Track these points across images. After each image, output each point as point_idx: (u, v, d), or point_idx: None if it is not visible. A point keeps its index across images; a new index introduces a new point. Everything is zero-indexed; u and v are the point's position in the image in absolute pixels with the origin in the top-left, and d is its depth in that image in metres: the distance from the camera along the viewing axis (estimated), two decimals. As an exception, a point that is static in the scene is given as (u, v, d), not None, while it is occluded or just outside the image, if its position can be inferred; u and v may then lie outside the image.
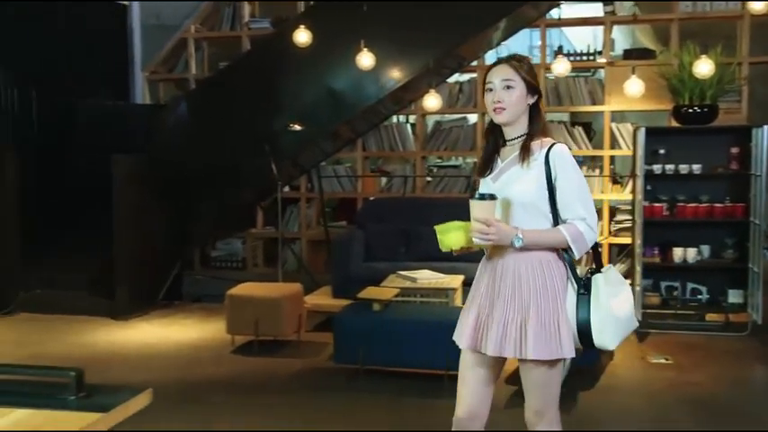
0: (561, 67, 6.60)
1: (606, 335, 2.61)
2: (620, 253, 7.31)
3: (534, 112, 2.68)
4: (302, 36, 6.02)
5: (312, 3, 7.77)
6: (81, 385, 1.96)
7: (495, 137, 2.75)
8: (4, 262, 6.88)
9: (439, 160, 9.26)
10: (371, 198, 7.88)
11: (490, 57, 7.97)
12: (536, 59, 8.57)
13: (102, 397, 1.95)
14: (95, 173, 7.12)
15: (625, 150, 7.28)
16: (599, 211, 7.37)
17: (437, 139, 8.04)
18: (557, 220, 2.63)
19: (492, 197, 2.55)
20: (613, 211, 7.38)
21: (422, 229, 6.66)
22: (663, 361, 5.39)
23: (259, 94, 7.10)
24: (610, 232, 7.28)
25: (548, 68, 7.47)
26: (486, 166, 2.75)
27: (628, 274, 7.09)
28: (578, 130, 7.51)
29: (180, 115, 7.39)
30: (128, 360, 5.51)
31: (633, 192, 6.57)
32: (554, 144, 2.63)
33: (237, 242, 8.38)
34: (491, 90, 2.66)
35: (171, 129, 7.49)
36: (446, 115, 8.17)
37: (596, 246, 2.73)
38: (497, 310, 2.64)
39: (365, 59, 5.97)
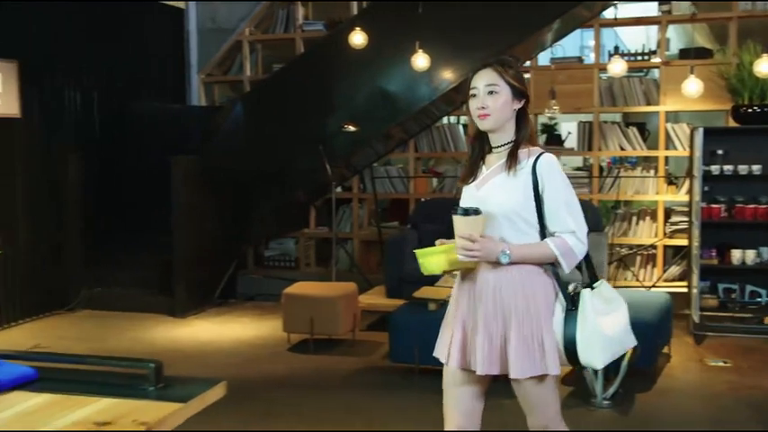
0: (618, 68, 6.55)
1: (592, 353, 2.50)
2: (675, 255, 7.22)
3: (521, 118, 2.57)
4: (357, 38, 6.08)
5: (366, 5, 7.82)
6: (160, 376, 2.04)
7: (481, 143, 2.63)
8: (67, 260, 7.07)
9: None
10: (424, 198, 7.91)
11: (543, 57, 7.94)
12: (589, 60, 8.54)
13: (179, 388, 2.02)
14: (154, 174, 7.30)
15: (680, 151, 7.19)
16: (653, 213, 7.30)
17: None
18: (544, 232, 2.52)
19: (476, 212, 2.44)
20: (668, 213, 7.29)
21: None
22: (721, 364, 5.32)
23: (313, 96, 7.19)
24: (665, 234, 7.20)
25: (601, 69, 7.43)
26: (470, 174, 2.64)
27: (684, 276, 7.02)
28: (632, 131, 7.43)
29: (235, 117, 7.51)
30: (187, 356, 5.63)
31: (690, 193, 6.50)
32: (542, 153, 2.53)
33: (290, 242, 8.48)
34: (475, 96, 2.55)
35: (227, 130, 7.62)
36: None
37: (588, 258, 2.60)
38: (480, 328, 2.55)
39: (420, 61, 6.01)
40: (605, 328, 2.51)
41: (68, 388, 1.99)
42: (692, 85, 6.03)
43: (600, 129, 7.47)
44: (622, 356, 4.46)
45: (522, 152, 2.53)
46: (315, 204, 8.18)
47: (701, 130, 5.99)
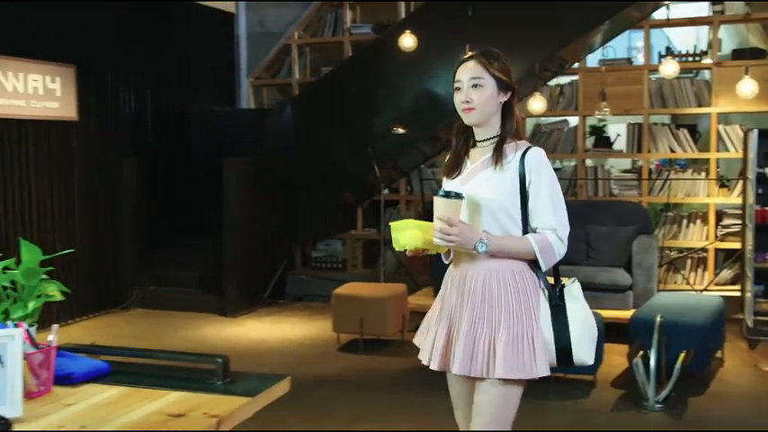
0: (670, 69, 6.50)
1: (585, 349, 2.43)
2: (727, 259, 7.12)
3: (507, 112, 2.48)
4: (407, 40, 6.12)
5: (415, 8, 7.86)
6: (227, 371, 2.10)
7: (465, 137, 2.55)
8: (122, 260, 7.24)
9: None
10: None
11: (592, 59, 7.89)
12: (637, 61, 8.46)
13: (245, 383, 2.09)
14: (205, 175, 7.44)
15: (732, 153, 7.09)
16: (704, 215, 7.20)
17: (537, 141, 8.01)
18: (527, 228, 2.44)
19: (458, 195, 2.36)
20: (720, 216, 7.19)
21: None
22: (776, 369, 5.25)
23: (361, 98, 7.25)
24: (716, 237, 7.10)
25: (651, 70, 7.36)
26: (453, 168, 2.55)
27: (736, 280, 6.92)
28: (683, 133, 7.35)
29: (285, 120, 7.61)
30: (239, 355, 5.71)
31: (743, 195, 6.40)
32: (530, 147, 2.45)
33: (337, 243, 8.55)
34: (459, 89, 2.47)
35: (277, 133, 7.73)
36: (546, 118, 8.13)
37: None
38: (465, 325, 2.44)
39: (470, 63, 6.01)
40: (591, 323, 2.48)
41: (139, 381, 2.07)
42: (747, 86, 5.96)
43: (649, 131, 7.40)
44: (675, 359, 4.45)
45: (509, 146, 2.46)
46: (362, 206, 8.25)
47: (755, 132, 5.90)
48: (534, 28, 6.44)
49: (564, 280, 2.51)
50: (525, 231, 2.43)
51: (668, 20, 7.38)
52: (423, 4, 7.33)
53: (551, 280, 2.49)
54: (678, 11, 8.15)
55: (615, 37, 7.38)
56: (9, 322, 2.02)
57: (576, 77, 7.77)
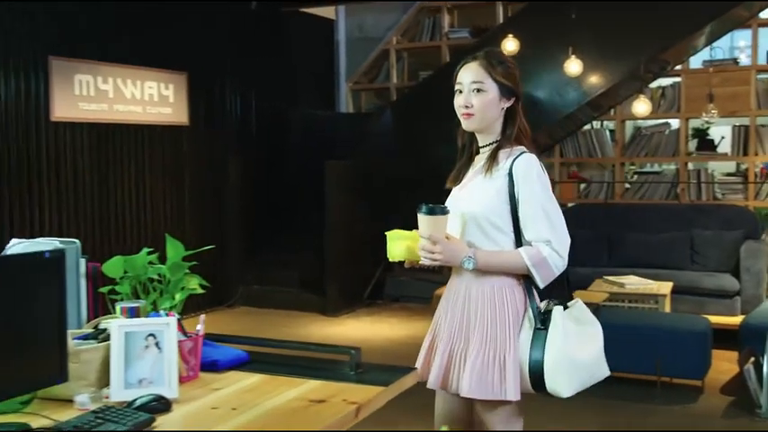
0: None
1: (560, 379, 2.22)
2: None
3: (510, 117, 2.34)
4: (509, 44, 6.16)
5: (515, 11, 7.87)
6: (359, 362, 2.21)
7: (471, 142, 2.43)
8: (228, 259, 7.51)
9: (632, 166, 9.08)
10: (571, 204, 7.88)
11: (695, 60, 7.74)
12: (744, 62, 8.24)
13: (376, 374, 2.19)
14: (305, 177, 7.65)
15: None
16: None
17: (638, 144, 7.91)
18: (520, 241, 2.28)
19: (443, 210, 2.24)
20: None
21: (625, 236, 6.61)
22: None
23: (460, 102, 7.31)
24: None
25: (759, 70, 7.18)
26: (457, 174, 2.45)
27: None
28: (794, 135, 7.15)
29: (385, 123, 7.76)
30: (341, 353, 5.87)
31: None
32: (522, 153, 2.29)
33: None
34: (460, 92, 2.35)
35: (377, 136, 7.88)
36: (646, 120, 8.01)
37: (566, 275, 2.34)
38: (443, 339, 2.36)
39: (573, 66, 6.02)
40: (574, 354, 2.24)
41: (276, 370, 2.20)
42: None
43: (756, 133, 7.21)
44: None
45: (504, 153, 2.32)
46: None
47: None
48: (638, 30, 6.39)
49: (576, 297, 2.39)
50: (520, 244, 2.28)
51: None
52: (524, 7, 7.35)
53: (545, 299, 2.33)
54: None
55: (720, 37, 7.22)
56: (161, 311, 2.18)
57: (678, 79, 7.64)
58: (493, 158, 2.31)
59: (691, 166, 7.76)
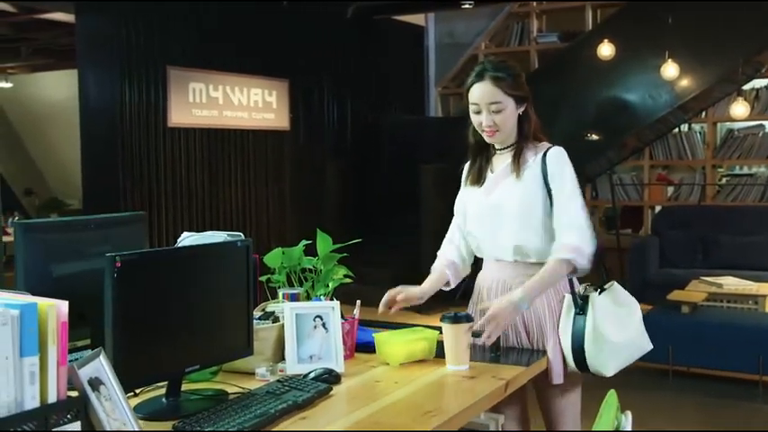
0: None
1: (601, 360, 2.38)
2: None
3: (524, 119, 2.43)
4: (605, 49, 6.27)
5: (609, 15, 7.94)
6: (498, 345, 2.42)
7: (484, 145, 2.50)
8: (325, 258, 7.79)
9: (720, 169, 9.04)
10: (662, 206, 7.93)
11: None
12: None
13: (513, 356, 2.40)
14: (397, 179, 7.89)
15: None
16: None
17: (730, 146, 7.91)
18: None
19: (468, 318, 2.32)
20: None
21: (719, 237, 6.65)
22: None
23: (549, 107, 7.44)
24: None
25: None
26: (476, 178, 2.54)
27: None
28: None
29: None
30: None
31: None
32: (551, 147, 2.42)
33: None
34: (478, 112, 2.41)
35: (465, 140, 8.05)
36: (739, 122, 7.99)
37: (602, 259, 2.47)
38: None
39: (670, 70, 6.10)
40: (613, 334, 2.38)
41: (421, 352, 2.43)
42: None
43: None
44: None
45: (529, 150, 2.43)
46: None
47: None
48: (733, 32, 6.43)
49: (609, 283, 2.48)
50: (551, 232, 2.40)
51: None
52: (618, 12, 7.43)
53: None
54: None
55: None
56: (321, 297, 2.44)
57: (765, 82, 7.61)
58: (520, 158, 2.42)
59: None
